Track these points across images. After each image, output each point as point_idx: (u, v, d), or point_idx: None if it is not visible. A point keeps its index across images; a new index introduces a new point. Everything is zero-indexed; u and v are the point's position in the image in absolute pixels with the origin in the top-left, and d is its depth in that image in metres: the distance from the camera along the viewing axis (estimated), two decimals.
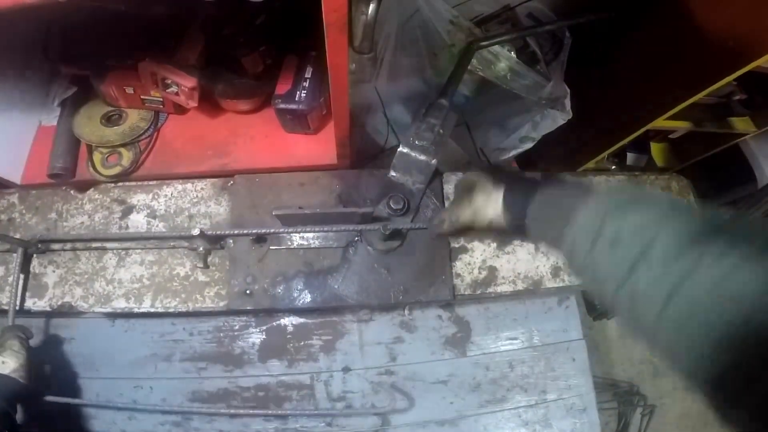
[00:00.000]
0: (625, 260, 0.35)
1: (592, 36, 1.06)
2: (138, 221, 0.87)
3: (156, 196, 0.89)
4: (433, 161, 0.85)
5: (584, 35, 1.03)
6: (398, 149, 0.85)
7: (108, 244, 0.85)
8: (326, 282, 0.84)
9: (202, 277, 0.85)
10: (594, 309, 2.03)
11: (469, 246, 0.89)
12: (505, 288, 0.88)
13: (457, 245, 0.89)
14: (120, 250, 0.85)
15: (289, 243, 0.85)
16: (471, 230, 0.59)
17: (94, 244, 0.85)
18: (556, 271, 0.90)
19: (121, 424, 0.92)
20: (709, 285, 0.29)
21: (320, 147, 0.89)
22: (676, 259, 0.32)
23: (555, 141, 1.09)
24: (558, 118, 1.04)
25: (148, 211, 0.88)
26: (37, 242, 0.82)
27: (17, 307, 0.80)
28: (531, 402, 0.99)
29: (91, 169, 0.86)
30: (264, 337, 0.95)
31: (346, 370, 0.95)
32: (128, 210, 0.88)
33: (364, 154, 1.09)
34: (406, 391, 0.94)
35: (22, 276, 0.82)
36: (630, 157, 1.36)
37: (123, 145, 0.87)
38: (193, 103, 0.81)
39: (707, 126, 1.09)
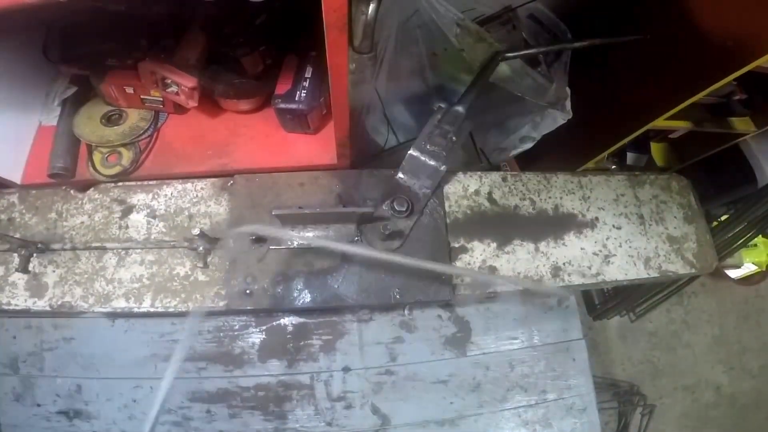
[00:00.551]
0: None
1: (592, 36, 1.06)
2: (138, 221, 0.87)
3: (156, 196, 0.89)
4: (443, 167, 0.85)
5: (584, 35, 1.03)
6: (409, 152, 0.85)
7: (108, 244, 0.85)
8: (326, 282, 0.84)
9: (202, 277, 0.85)
10: (594, 309, 2.03)
11: (468, 246, 0.89)
12: (505, 288, 0.88)
13: (456, 245, 0.89)
14: (120, 250, 0.85)
15: (289, 243, 0.85)
16: None
17: (94, 244, 0.85)
18: (556, 271, 0.90)
19: (120, 424, 0.92)
20: None
21: (320, 147, 0.89)
22: None
23: (555, 141, 1.09)
24: (558, 118, 1.04)
25: (148, 210, 0.88)
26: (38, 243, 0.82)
27: None
28: (531, 402, 0.99)
29: (91, 168, 0.87)
30: (264, 336, 0.95)
31: (346, 370, 0.95)
32: (128, 210, 0.88)
33: (364, 154, 1.09)
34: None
35: None
36: (630, 156, 1.36)
37: (123, 145, 0.87)
38: (193, 103, 0.81)
39: (707, 126, 1.09)
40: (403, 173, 0.86)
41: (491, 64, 0.86)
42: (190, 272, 0.85)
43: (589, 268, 0.92)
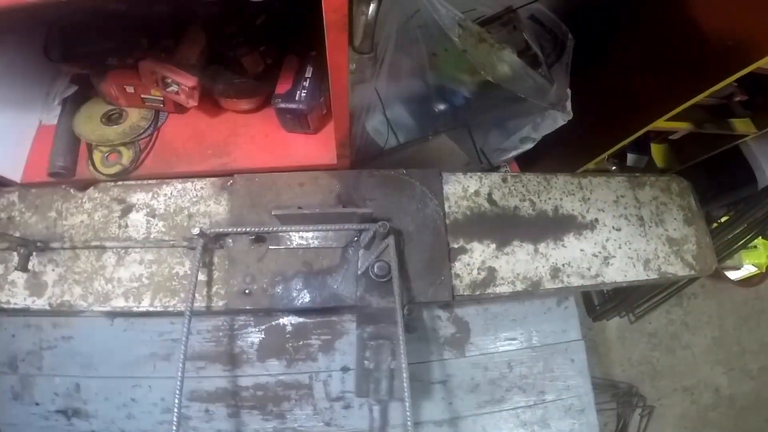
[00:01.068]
0: None
1: (593, 37, 1.06)
2: (137, 220, 0.87)
3: (156, 195, 0.89)
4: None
5: (585, 36, 1.03)
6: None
7: (107, 243, 0.85)
8: (325, 282, 0.84)
9: (201, 277, 0.85)
10: (593, 310, 2.03)
11: (468, 247, 0.89)
12: (504, 289, 0.88)
13: (456, 246, 0.89)
14: (119, 249, 0.85)
15: (289, 243, 0.85)
16: None
17: (93, 243, 0.85)
18: (555, 272, 0.90)
19: (119, 423, 0.92)
20: None
21: (320, 147, 0.89)
22: None
23: (555, 141, 1.09)
24: (558, 119, 1.04)
25: (148, 210, 0.88)
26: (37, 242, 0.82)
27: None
28: (529, 402, 0.99)
29: (91, 167, 0.87)
30: (263, 336, 0.95)
31: (344, 369, 0.95)
32: (128, 209, 0.88)
33: (364, 154, 1.09)
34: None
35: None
36: (630, 157, 1.36)
37: (123, 144, 0.88)
38: (194, 103, 0.81)
39: (708, 127, 1.09)
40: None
41: None
42: (189, 272, 0.85)
43: (589, 269, 0.92)
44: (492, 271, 0.88)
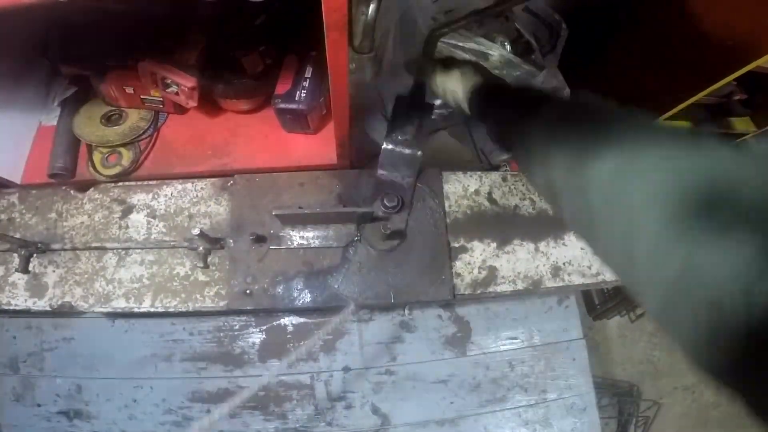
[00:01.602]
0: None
1: (591, 34, 1.06)
2: (138, 221, 0.87)
3: (156, 196, 0.89)
4: (419, 153, 0.85)
5: (582, 32, 1.03)
6: (383, 146, 0.85)
7: (108, 244, 0.85)
8: (326, 282, 0.84)
9: (202, 277, 0.85)
10: (594, 309, 2.03)
11: (468, 246, 0.89)
12: (505, 288, 0.88)
13: (457, 245, 0.89)
14: (120, 250, 0.85)
15: (289, 243, 0.85)
16: None
17: (94, 244, 0.85)
18: (556, 271, 0.90)
19: (121, 424, 0.92)
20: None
21: (320, 147, 0.89)
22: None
23: None
24: None
25: (148, 210, 0.88)
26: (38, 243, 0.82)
27: None
28: (531, 402, 0.99)
29: (91, 168, 0.87)
30: (264, 336, 0.95)
31: (346, 369, 0.95)
32: (128, 210, 0.88)
33: (364, 154, 1.09)
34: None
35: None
36: None
37: (123, 145, 0.88)
38: (193, 103, 0.81)
39: (707, 126, 1.09)
40: (383, 169, 0.86)
41: (429, 43, 0.86)
42: (190, 272, 0.85)
43: (589, 267, 0.92)
44: (493, 270, 0.89)
